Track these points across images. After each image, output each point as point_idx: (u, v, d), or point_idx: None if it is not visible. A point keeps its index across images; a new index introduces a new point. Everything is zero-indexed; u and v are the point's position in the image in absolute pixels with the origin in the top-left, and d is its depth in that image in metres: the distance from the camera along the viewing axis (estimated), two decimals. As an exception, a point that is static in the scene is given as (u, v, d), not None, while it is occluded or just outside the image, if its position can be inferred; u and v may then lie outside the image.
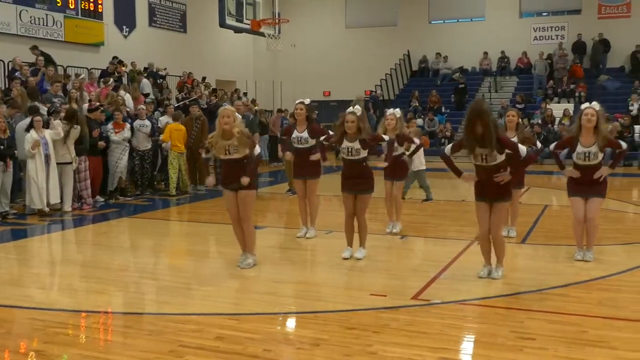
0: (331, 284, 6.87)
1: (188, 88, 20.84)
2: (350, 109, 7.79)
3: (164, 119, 15.14)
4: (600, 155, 7.39)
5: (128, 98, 16.07)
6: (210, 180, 7.78)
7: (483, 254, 6.98)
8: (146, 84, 18.64)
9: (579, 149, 7.38)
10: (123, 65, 19.44)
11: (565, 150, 7.91)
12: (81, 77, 16.61)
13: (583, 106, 7.50)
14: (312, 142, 9.05)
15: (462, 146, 6.69)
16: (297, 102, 9.20)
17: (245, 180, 7.19)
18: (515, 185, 8.24)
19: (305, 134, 9.03)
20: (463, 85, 26.26)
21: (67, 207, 11.77)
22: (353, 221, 7.97)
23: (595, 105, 7.39)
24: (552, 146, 7.91)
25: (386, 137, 8.24)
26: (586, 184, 7.46)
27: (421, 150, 12.27)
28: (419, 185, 12.93)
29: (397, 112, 9.39)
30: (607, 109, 22.43)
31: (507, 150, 6.52)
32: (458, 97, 25.90)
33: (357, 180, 7.77)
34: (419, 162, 12.35)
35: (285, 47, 24.90)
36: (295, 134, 9.11)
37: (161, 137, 14.07)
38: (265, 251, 8.16)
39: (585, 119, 7.31)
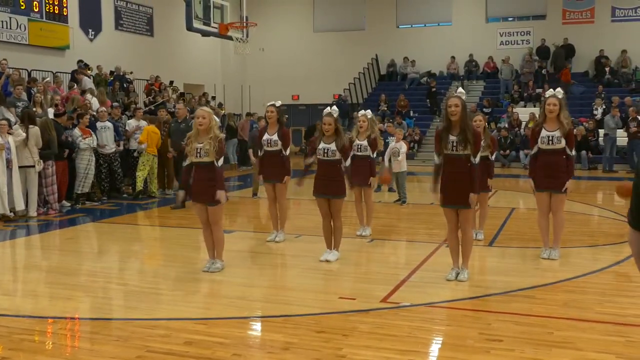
0: (301, 288, 6.88)
1: (155, 92, 20.70)
2: (328, 109, 7.84)
3: (132, 122, 15.03)
4: (563, 142, 7.61)
5: (94, 102, 15.90)
6: (181, 196, 7.84)
7: (452, 256, 7.05)
8: (87, 81, 18.30)
9: (543, 133, 7.68)
10: (88, 69, 19.25)
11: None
12: (46, 80, 16.42)
13: (547, 94, 7.81)
14: (281, 145, 9.05)
15: (439, 135, 6.81)
16: (268, 104, 9.21)
17: (221, 196, 7.20)
18: (482, 188, 8.36)
19: (275, 137, 9.03)
20: (434, 89, 26.38)
21: (33, 212, 11.61)
22: (330, 223, 8.00)
23: (558, 93, 7.68)
24: (531, 153, 8.06)
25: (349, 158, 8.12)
26: (550, 176, 7.66)
27: (404, 153, 12.58)
28: (395, 187, 13.10)
29: (369, 113, 9.46)
30: (572, 113, 22.81)
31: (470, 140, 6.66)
32: (432, 99, 26.02)
33: (329, 183, 7.79)
34: (402, 164, 12.70)
35: (253, 51, 24.83)
36: (265, 136, 9.11)
37: (138, 138, 14.02)
38: (235, 255, 8.15)
39: (548, 108, 7.65)
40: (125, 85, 20.42)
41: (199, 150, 7.21)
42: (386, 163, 12.88)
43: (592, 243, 9.07)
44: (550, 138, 7.64)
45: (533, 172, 7.89)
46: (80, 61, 19.34)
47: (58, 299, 6.53)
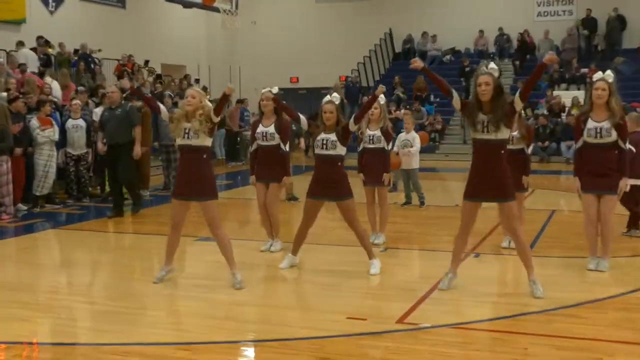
0: (301, 307, 6.88)
1: (128, 74, 20.72)
2: (328, 97, 7.84)
3: (99, 111, 15.01)
4: (614, 134, 7.58)
5: (55, 86, 15.93)
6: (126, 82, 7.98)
7: (454, 259, 7.25)
8: (30, 56, 18.29)
9: (590, 124, 7.65)
10: (50, 47, 19.26)
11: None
12: (-1, 60, 16.44)
13: (595, 77, 7.73)
14: (279, 139, 9.04)
15: (466, 105, 6.90)
16: (263, 90, 9.14)
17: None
18: (517, 186, 8.37)
19: (271, 129, 8.98)
20: (467, 65, 26.28)
21: (-18, 217, 11.64)
22: (308, 230, 8.18)
23: (608, 76, 7.62)
24: (575, 146, 8.09)
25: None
26: (599, 175, 7.67)
27: (417, 148, 12.50)
28: (411, 187, 13.04)
29: (381, 98, 9.45)
30: (623, 97, 22.76)
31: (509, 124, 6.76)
32: (467, 81, 25.69)
33: (329, 185, 7.81)
34: (415, 160, 12.60)
35: (244, 25, 24.90)
36: (260, 128, 9.07)
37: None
38: (222, 267, 8.14)
39: (595, 94, 7.62)
40: (92, 66, 20.43)
41: (187, 131, 7.26)
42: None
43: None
44: (599, 130, 7.61)
45: (579, 170, 7.89)
46: (40, 37, 19.34)
47: (12, 320, 6.52)
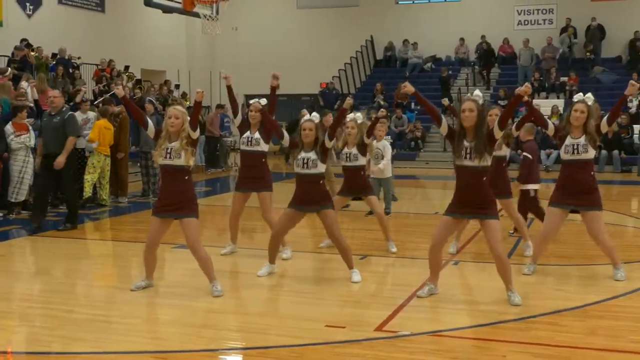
0: (280, 314, 6.87)
1: (107, 79, 20.64)
2: (307, 116, 7.88)
3: (77, 117, 14.93)
4: (592, 151, 7.58)
5: (32, 90, 15.81)
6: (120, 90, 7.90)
7: (432, 270, 7.30)
8: None
9: (568, 140, 7.64)
10: (33, 50, 19.17)
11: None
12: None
13: (575, 98, 7.74)
14: (265, 145, 8.98)
15: (453, 132, 6.97)
16: (251, 101, 9.05)
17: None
18: (504, 193, 8.55)
19: (257, 134, 8.96)
20: (445, 75, 26.29)
21: (-44, 223, 11.53)
22: (283, 237, 8.42)
23: (588, 99, 7.62)
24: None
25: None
26: (575, 192, 7.66)
27: (388, 158, 12.41)
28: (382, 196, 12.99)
29: (359, 117, 9.42)
30: (603, 105, 22.98)
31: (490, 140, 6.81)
32: (445, 90, 25.73)
33: (312, 200, 7.88)
34: (387, 169, 12.46)
35: (225, 30, 24.80)
36: (246, 133, 9.03)
37: (88, 136, 13.84)
38: (200, 275, 8.10)
39: (574, 116, 7.60)
40: (70, 71, 20.33)
41: (168, 151, 7.26)
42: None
43: (626, 259, 9.08)
44: (575, 147, 7.63)
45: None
46: (23, 39, 19.21)
47: (-13, 328, 6.48)
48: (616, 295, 7.35)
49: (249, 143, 9.00)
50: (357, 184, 9.45)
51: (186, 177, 7.37)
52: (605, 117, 7.44)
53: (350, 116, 9.37)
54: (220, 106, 23.39)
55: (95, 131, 13.76)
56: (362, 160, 9.45)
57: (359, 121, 9.36)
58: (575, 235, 10.26)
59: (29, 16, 22.39)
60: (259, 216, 9.50)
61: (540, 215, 9.82)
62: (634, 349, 5.70)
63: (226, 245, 9.50)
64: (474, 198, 6.84)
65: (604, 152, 21.19)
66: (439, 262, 7.33)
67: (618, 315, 6.74)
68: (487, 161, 6.78)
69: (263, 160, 9.07)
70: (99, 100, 18.42)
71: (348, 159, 9.41)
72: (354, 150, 9.38)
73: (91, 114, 14.65)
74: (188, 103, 22.92)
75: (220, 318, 6.77)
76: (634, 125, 22.26)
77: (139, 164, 15.92)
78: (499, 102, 24.44)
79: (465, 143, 6.78)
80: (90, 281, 8.64)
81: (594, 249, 8.39)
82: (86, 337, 6.12)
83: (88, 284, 8.48)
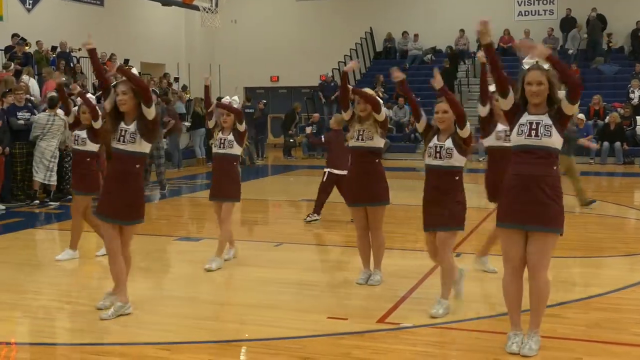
0: (282, 306, 6.88)
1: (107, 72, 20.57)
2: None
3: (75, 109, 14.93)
4: (557, 135, 5.31)
5: (33, 84, 15.84)
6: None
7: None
8: None
9: (522, 119, 5.43)
10: (27, 45, 19.15)
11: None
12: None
13: (525, 64, 5.60)
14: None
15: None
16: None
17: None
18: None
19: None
20: (448, 66, 26.28)
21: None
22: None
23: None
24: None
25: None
26: (525, 201, 5.34)
27: None
28: None
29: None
30: (605, 97, 23.12)
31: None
32: (449, 82, 25.71)
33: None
34: None
35: (224, 23, 24.80)
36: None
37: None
38: (200, 268, 8.12)
39: (529, 90, 5.41)
40: (71, 65, 20.31)
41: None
42: None
43: (628, 251, 9.12)
44: (533, 125, 5.35)
45: None
46: (15, 35, 19.21)
47: (-9, 320, 6.50)
48: (619, 288, 7.36)
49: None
50: None
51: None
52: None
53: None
54: (220, 99, 23.39)
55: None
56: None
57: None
58: (577, 228, 10.27)
59: (29, 10, 22.36)
60: (258, 208, 9.50)
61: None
62: (637, 342, 5.72)
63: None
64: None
65: (605, 143, 21.17)
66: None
67: (621, 307, 6.76)
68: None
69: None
70: (98, 93, 18.41)
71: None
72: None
73: None
74: (188, 96, 22.94)
75: (222, 310, 6.79)
76: (637, 117, 22.18)
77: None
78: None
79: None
80: (94, 273, 8.64)
81: (597, 241, 8.40)
82: (91, 328, 6.14)
83: (92, 276, 8.49)
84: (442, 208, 6.46)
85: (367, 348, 5.57)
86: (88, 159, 8.67)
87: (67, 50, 20.82)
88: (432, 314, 6.32)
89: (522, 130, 5.35)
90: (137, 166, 6.37)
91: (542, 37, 26.62)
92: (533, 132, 5.29)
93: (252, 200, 9.81)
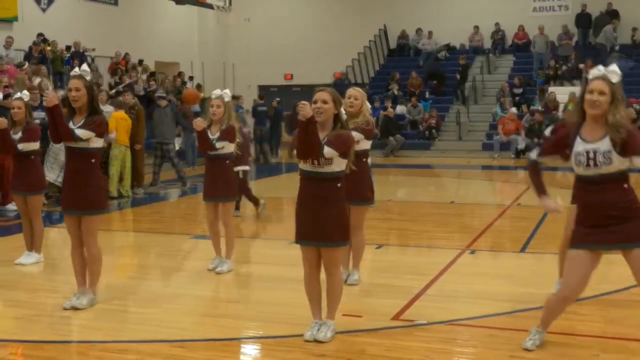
0: (296, 304, 6.87)
1: (122, 71, 20.69)
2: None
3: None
4: (617, 159, 4.95)
5: (46, 84, 15.88)
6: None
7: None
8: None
9: (578, 146, 5.09)
10: (48, 44, 19.27)
11: None
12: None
13: (590, 75, 5.15)
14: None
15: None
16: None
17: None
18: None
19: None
20: (464, 62, 26.22)
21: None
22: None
23: (613, 73, 5.09)
24: (534, 153, 5.66)
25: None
26: (602, 224, 5.10)
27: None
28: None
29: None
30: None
31: None
32: (462, 78, 25.84)
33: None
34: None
35: (238, 21, 24.90)
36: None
37: None
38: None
39: (589, 100, 5.01)
40: (87, 64, 20.40)
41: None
42: None
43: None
44: (592, 154, 5.02)
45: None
46: (40, 35, 19.30)
47: (5, 318, 6.53)
48: (633, 285, 7.29)
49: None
50: None
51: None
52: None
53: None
54: (234, 97, 23.41)
55: (112, 123, 13.82)
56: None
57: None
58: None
59: (44, 10, 22.46)
60: (272, 206, 9.48)
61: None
62: (654, 338, 5.70)
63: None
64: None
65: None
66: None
67: (636, 304, 6.71)
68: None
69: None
70: (112, 92, 18.51)
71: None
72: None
73: (109, 108, 14.71)
74: (203, 94, 22.96)
75: (236, 308, 6.80)
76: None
77: (155, 155, 15.89)
78: (513, 89, 24.45)
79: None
80: (108, 271, 8.64)
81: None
82: (106, 326, 6.17)
83: (105, 275, 8.48)
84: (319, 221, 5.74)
85: (381, 345, 5.56)
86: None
87: (81, 50, 20.88)
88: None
89: (579, 161, 5.06)
90: (93, 161, 6.58)
91: (557, 33, 26.54)
92: (591, 162, 5.00)
93: (266, 198, 9.82)
